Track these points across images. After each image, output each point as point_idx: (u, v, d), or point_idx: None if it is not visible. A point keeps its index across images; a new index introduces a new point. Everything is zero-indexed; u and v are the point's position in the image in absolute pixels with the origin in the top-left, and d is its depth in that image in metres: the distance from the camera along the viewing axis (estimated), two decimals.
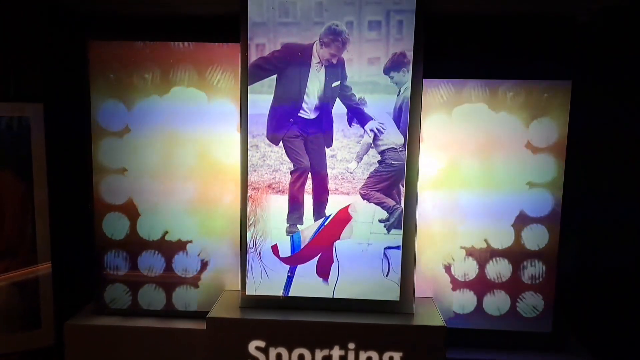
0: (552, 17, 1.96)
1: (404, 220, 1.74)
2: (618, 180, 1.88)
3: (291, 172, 1.74)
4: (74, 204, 1.99)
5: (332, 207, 1.75)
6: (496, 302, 1.91)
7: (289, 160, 1.74)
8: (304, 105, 1.71)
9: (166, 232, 1.91)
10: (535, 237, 1.87)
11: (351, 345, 1.67)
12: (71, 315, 1.94)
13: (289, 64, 1.68)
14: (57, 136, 1.91)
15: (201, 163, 1.88)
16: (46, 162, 1.87)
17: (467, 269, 1.90)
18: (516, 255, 1.88)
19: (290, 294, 1.79)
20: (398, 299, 1.76)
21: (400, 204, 1.72)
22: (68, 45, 1.97)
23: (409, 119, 1.70)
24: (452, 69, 1.87)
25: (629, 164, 1.82)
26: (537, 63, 1.92)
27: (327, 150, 1.73)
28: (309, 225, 1.76)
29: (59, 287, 1.94)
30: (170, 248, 1.92)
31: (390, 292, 1.77)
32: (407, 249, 1.75)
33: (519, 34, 1.96)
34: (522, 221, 1.87)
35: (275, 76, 1.70)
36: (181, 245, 1.92)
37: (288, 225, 1.76)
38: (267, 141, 1.73)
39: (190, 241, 1.92)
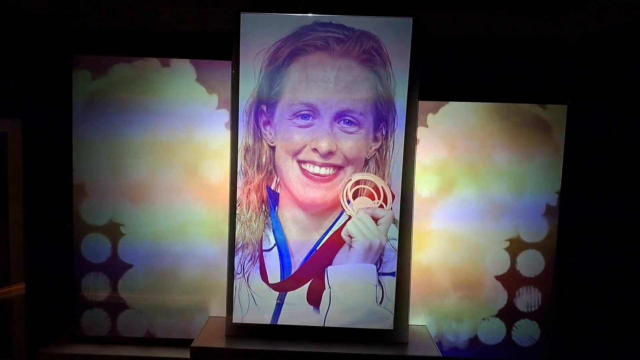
0: (545, 41, 1.96)
1: (398, 247, 1.69)
2: (616, 204, 1.85)
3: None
4: (51, 223, 1.90)
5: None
6: (491, 330, 1.86)
7: None
8: None
9: (150, 254, 1.82)
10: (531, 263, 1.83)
11: None
12: (45, 342, 1.82)
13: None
14: (35, 153, 1.81)
15: (190, 180, 1.80)
16: (23, 179, 1.77)
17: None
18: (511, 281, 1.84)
19: (279, 322, 1.71)
20: (392, 328, 1.70)
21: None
22: (51, 59, 1.89)
23: (403, 146, 1.65)
24: (447, 91, 1.85)
25: (627, 188, 1.80)
26: (532, 86, 1.92)
27: None
28: (300, 250, 1.70)
29: (33, 312, 1.82)
30: (153, 271, 1.83)
31: (383, 320, 1.70)
32: (402, 275, 1.70)
33: (516, 57, 1.95)
34: (517, 246, 1.83)
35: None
36: (165, 269, 1.83)
37: None
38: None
39: (176, 264, 1.83)
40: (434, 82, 1.76)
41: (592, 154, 1.90)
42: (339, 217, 1.68)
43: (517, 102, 1.80)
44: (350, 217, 1.68)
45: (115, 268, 1.82)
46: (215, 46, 1.78)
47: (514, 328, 1.85)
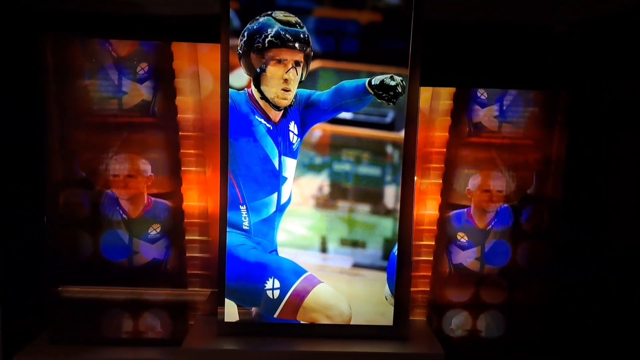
0: (537, 28, 1.90)
1: (398, 237, 1.61)
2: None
3: None
4: (25, 215, 1.77)
5: None
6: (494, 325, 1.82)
7: None
8: None
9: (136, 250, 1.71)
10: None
11: None
12: (21, 346, 1.69)
13: None
14: (5, 139, 1.69)
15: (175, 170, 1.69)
16: None
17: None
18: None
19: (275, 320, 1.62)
20: (392, 324, 1.63)
21: None
22: (18, 38, 1.74)
23: (404, 131, 1.57)
24: (448, 77, 1.78)
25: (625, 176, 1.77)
26: (529, 73, 1.87)
27: None
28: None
29: (7, 312, 1.69)
30: (139, 266, 1.72)
31: (383, 316, 1.63)
32: (403, 268, 1.62)
33: (515, 44, 1.90)
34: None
35: None
36: (152, 264, 1.71)
37: None
38: None
39: (163, 259, 1.72)
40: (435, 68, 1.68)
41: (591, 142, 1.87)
42: None
43: (517, 88, 1.74)
44: None
45: (98, 264, 1.70)
46: (200, 29, 1.66)
47: None
